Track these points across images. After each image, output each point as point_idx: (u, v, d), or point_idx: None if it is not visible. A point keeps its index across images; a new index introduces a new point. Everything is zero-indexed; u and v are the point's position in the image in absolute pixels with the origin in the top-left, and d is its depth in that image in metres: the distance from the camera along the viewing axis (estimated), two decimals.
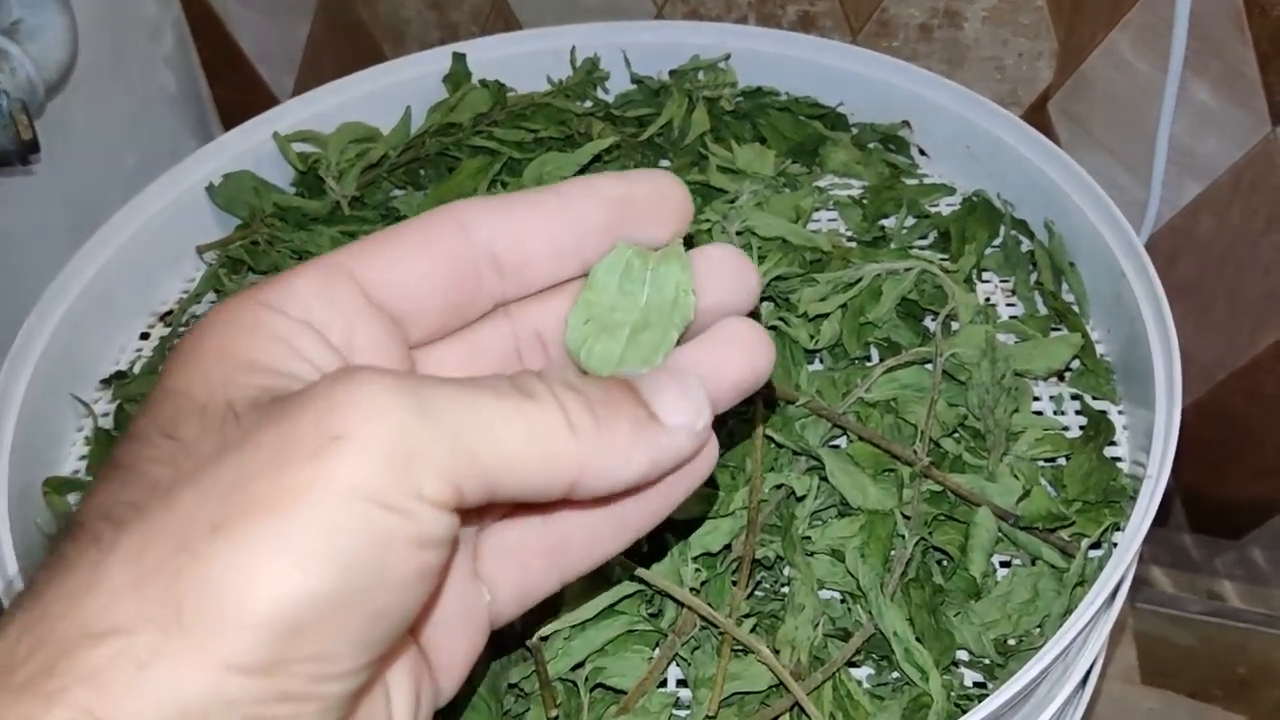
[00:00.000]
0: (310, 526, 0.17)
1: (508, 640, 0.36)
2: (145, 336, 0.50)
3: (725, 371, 0.23)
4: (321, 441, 0.17)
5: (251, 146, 0.53)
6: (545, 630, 0.35)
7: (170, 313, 0.50)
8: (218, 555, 0.17)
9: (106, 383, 0.47)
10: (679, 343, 0.23)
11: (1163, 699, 0.57)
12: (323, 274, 0.21)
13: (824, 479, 0.38)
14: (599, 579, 0.36)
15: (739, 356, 0.23)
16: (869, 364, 0.43)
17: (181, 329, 0.49)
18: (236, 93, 0.75)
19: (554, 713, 0.34)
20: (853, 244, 0.48)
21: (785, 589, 0.37)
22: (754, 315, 0.25)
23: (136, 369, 0.47)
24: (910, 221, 0.49)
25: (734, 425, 0.40)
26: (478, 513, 0.23)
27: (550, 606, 0.36)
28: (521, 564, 0.23)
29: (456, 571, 0.22)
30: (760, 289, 0.24)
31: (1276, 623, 0.61)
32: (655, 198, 0.23)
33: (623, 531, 0.23)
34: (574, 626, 0.35)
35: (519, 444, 0.19)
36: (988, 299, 0.46)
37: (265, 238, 0.49)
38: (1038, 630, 0.36)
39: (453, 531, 0.18)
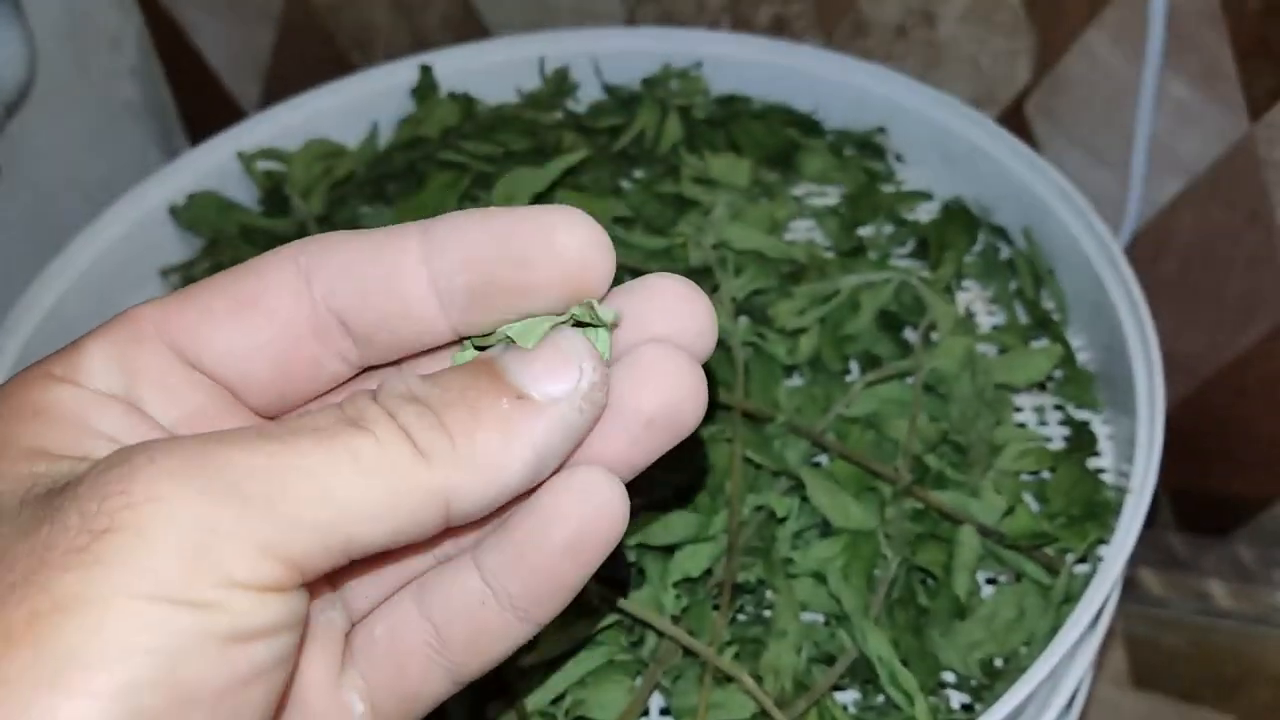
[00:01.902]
0: (85, 647, 0.14)
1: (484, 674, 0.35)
2: None
3: (634, 403, 0.19)
4: (88, 541, 0.14)
5: (216, 164, 0.52)
6: (522, 664, 0.34)
7: None
8: None
9: None
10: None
11: (1153, 702, 0.57)
12: (123, 335, 0.18)
13: (805, 499, 0.38)
14: (577, 609, 0.35)
15: (652, 389, 0.19)
16: (848, 378, 0.42)
17: None
18: (201, 103, 0.74)
19: None
20: (830, 253, 0.47)
21: (768, 612, 0.37)
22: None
23: None
24: (888, 230, 0.49)
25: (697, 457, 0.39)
26: (351, 570, 0.19)
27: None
28: (397, 669, 0.19)
29: (316, 678, 0.19)
30: (714, 326, 0.19)
31: (1266, 622, 0.60)
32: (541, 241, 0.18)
33: (516, 623, 0.19)
34: (551, 660, 0.34)
35: (357, 491, 0.16)
36: (967, 308, 0.46)
37: (231, 260, 0.48)
38: (1024, 649, 0.35)
39: (290, 615, 0.16)
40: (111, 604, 0.14)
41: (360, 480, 0.16)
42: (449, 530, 0.18)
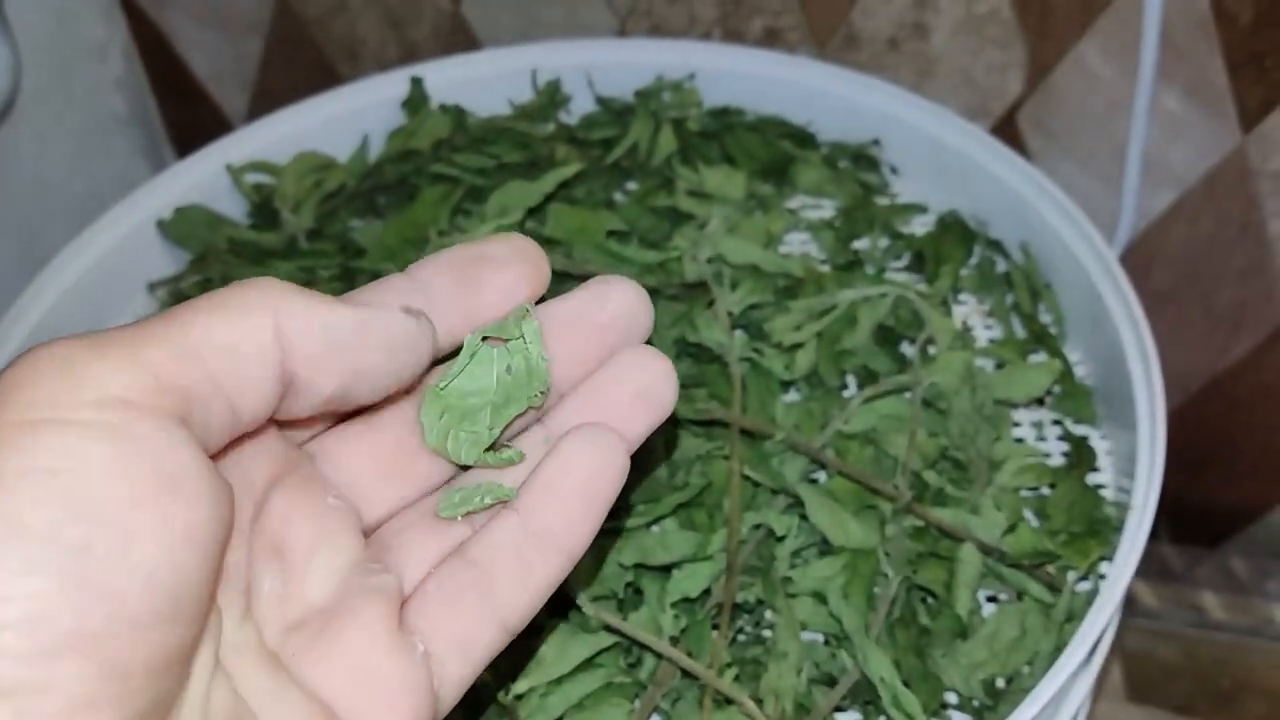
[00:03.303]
0: None
1: (482, 697, 0.34)
2: None
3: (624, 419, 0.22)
4: None
5: (204, 177, 0.52)
6: (520, 687, 0.33)
7: None
8: None
9: None
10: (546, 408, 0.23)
11: (1148, 715, 0.57)
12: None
13: (803, 517, 0.37)
14: (574, 631, 0.35)
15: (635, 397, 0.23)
16: (846, 393, 0.42)
17: None
18: (187, 115, 0.74)
19: None
20: (826, 267, 0.47)
21: (767, 632, 0.36)
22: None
23: None
24: (884, 243, 0.48)
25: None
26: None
27: (524, 663, 0.35)
28: (449, 609, 0.21)
29: (375, 636, 0.21)
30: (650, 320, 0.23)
31: (1259, 633, 0.60)
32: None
33: (551, 552, 0.22)
34: (550, 682, 0.34)
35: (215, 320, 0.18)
36: (965, 322, 0.46)
37: (219, 274, 0.48)
38: (1026, 669, 0.35)
39: (171, 429, 0.17)
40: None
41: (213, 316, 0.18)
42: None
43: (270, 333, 0.18)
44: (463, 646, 0.22)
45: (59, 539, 0.15)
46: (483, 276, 0.22)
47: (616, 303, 0.23)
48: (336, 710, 0.20)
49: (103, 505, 0.16)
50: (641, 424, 0.22)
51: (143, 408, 0.17)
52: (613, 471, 0.22)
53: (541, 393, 0.23)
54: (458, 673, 0.22)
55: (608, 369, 0.23)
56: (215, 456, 0.19)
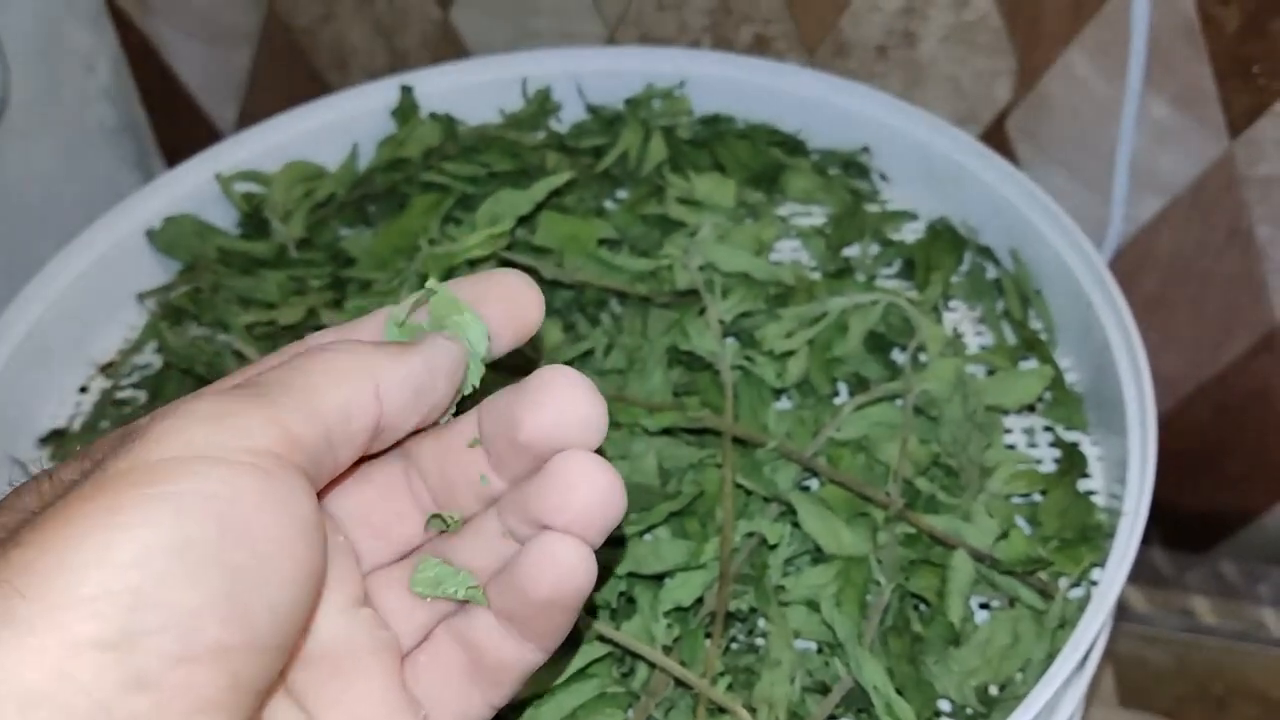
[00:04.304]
0: (136, 488, 0.17)
1: None
2: (84, 390, 0.47)
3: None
4: (137, 436, 0.18)
5: (193, 187, 0.51)
6: (515, 697, 0.33)
7: (111, 364, 0.48)
8: (46, 535, 0.17)
9: (45, 441, 0.45)
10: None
11: None
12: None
13: (796, 525, 0.37)
14: (568, 641, 0.35)
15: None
16: (837, 401, 0.42)
17: (123, 381, 0.47)
18: (177, 124, 0.73)
19: None
20: (816, 274, 0.47)
21: (760, 640, 0.36)
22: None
23: (76, 425, 0.45)
24: (874, 250, 0.49)
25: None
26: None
27: None
28: (443, 682, 0.23)
29: (388, 679, 0.22)
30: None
31: (1250, 638, 0.60)
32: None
33: (530, 647, 0.23)
34: (543, 692, 0.34)
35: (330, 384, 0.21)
36: (955, 329, 0.46)
37: (209, 284, 0.47)
38: (1019, 676, 0.35)
39: (303, 481, 0.19)
40: (153, 469, 0.18)
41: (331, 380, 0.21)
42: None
43: (372, 392, 0.21)
44: (463, 714, 0.23)
45: (221, 561, 0.17)
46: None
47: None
48: None
49: (256, 536, 0.18)
50: (599, 527, 0.22)
51: (283, 460, 0.19)
52: (581, 577, 0.22)
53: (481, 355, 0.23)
54: None
55: (551, 478, 0.22)
56: None
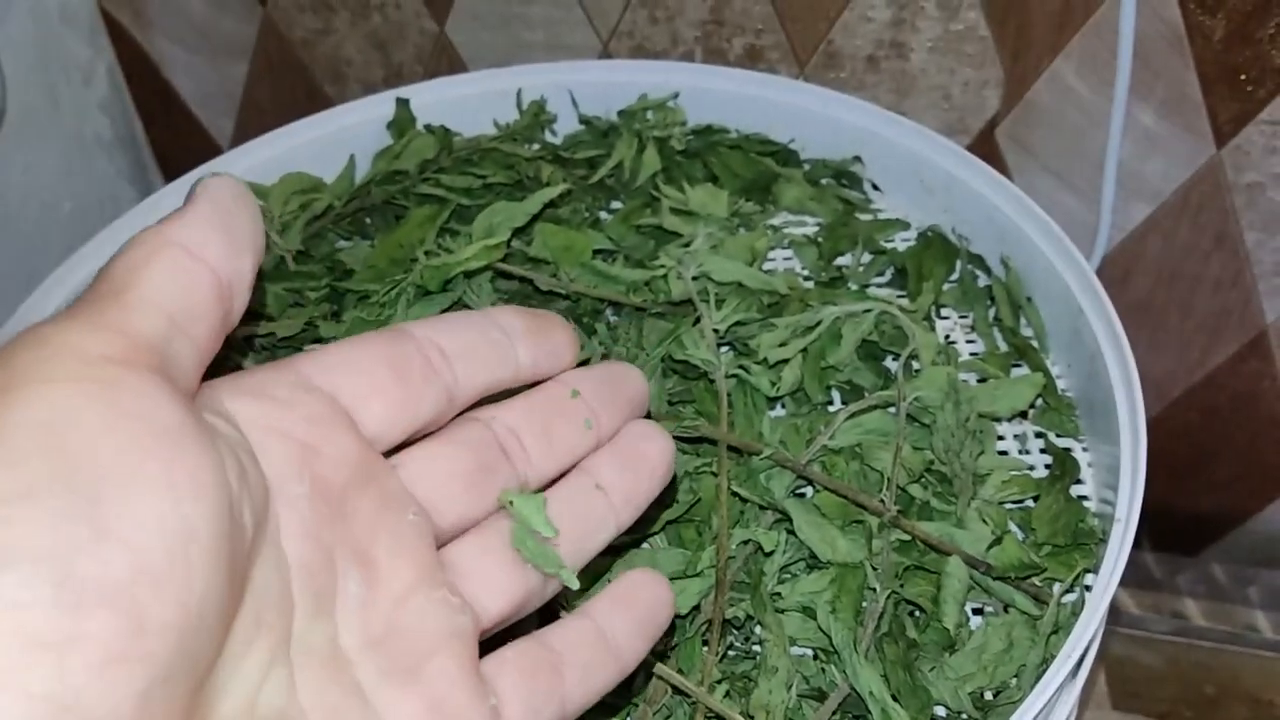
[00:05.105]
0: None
1: None
2: None
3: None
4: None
5: None
6: None
7: None
8: None
9: None
10: None
11: None
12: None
13: (791, 532, 0.38)
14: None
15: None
16: (831, 409, 0.42)
17: None
18: (174, 137, 0.74)
19: None
20: (809, 283, 0.48)
21: (757, 648, 0.37)
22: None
23: None
24: (866, 258, 0.49)
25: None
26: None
27: None
28: (525, 680, 0.23)
29: (461, 667, 0.22)
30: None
31: (1241, 640, 0.61)
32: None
33: (612, 662, 0.25)
34: None
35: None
36: (947, 336, 0.46)
37: None
38: (1014, 681, 0.35)
39: (155, 383, 0.18)
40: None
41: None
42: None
43: (187, 257, 0.19)
44: (530, 715, 0.23)
45: (78, 489, 0.16)
46: (543, 330, 0.26)
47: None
48: None
49: (110, 456, 0.16)
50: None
51: (124, 364, 0.17)
52: (666, 610, 0.26)
53: None
54: None
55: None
56: (285, 447, 0.20)
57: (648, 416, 0.28)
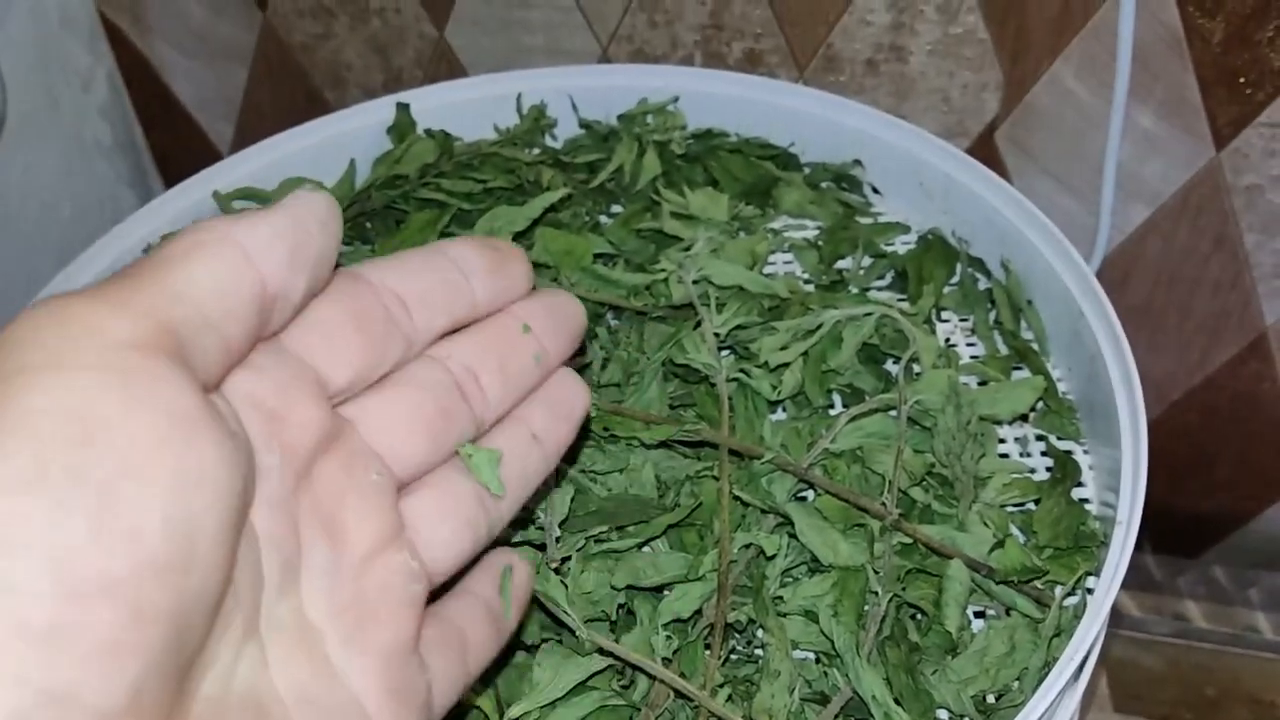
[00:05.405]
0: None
1: None
2: None
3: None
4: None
5: (191, 205, 0.52)
6: (515, 712, 0.34)
7: None
8: None
9: None
10: None
11: None
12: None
13: (793, 536, 0.38)
14: (568, 654, 0.35)
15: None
16: (832, 412, 0.42)
17: None
18: (174, 141, 0.74)
19: None
20: (810, 287, 0.48)
21: (759, 651, 0.37)
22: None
23: None
24: (867, 262, 0.49)
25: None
26: None
27: (518, 687, 0.35)
28: (441, 650, 0.24)
29: (410, 633, 0.22)
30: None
31: (1241, 641, 0.61)
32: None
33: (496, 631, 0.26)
34: (545, 705, 0.34)
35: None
36: (948, 339, 0.46)
37: None
38: (1016, 685, 0.35)
39: (175, 371, 0.17)
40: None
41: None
42: None
43: (241, 258, 0.19)
44: (443, 691, 0.24)
45: (87, 480, 0.15)
46: (502, 262, 0.25)
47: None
48: (368, 709, 0.21)
49: (123, 446, 0.16)
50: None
51: (145, 350, 0.17)
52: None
53: None
54: (441, 703, 0.23)
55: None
56: (256, 425, 0.20)
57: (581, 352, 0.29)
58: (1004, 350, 0.45)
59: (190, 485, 0.17)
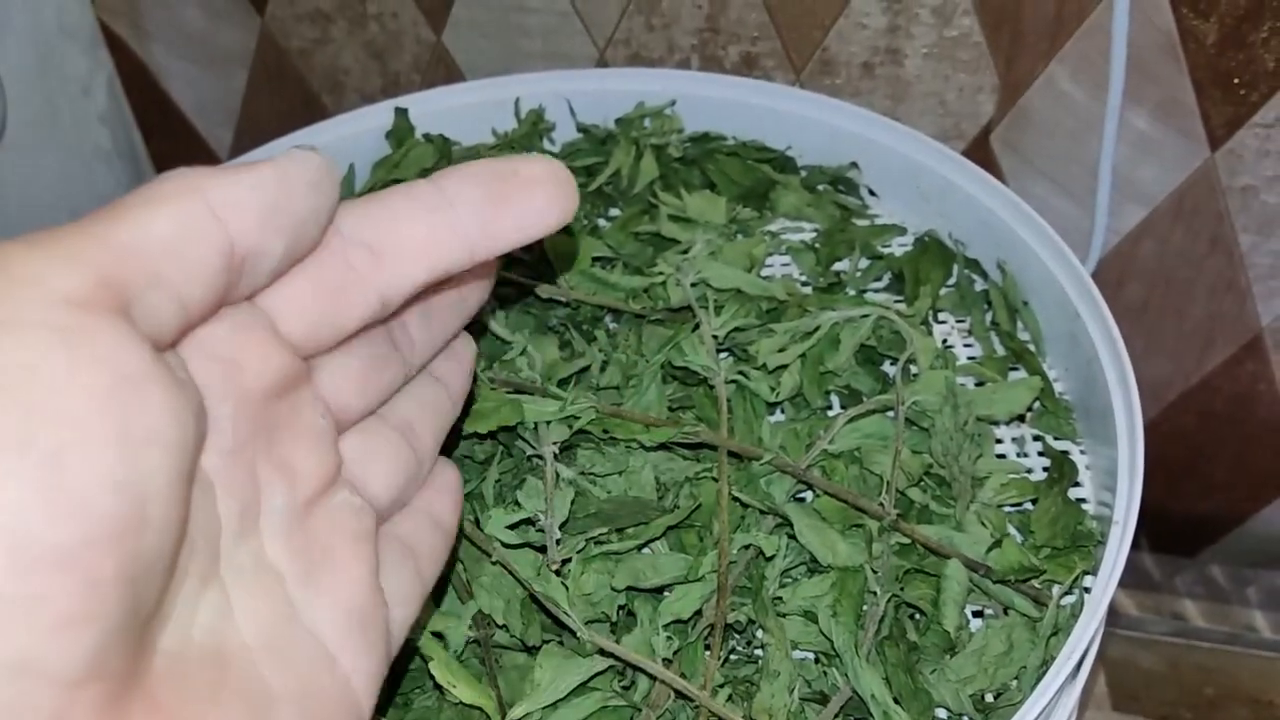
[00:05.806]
0: None
1: None
2: None
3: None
4: None
5: None
6: (516, 713, 0.34)
7: None
8: None
9: None
10: None
11: None
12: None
13: (791, 537, 0.38)
14: (568, 655, 0.35)
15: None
16: (830, 413, 0.43)
17: None
18: (173, 147, 0.74)
19: None
20: (807, 289, 0.48)
21: (759, 652, 0.37)
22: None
23: None
24: (864, 264, 0.49)
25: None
26: None
27: (519, 688, 0.35)
28: (393, 573, 0.24)
29: (368, 570, 0.22)
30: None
31: (1240, 641, 0.61)
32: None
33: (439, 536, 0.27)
34: (546, 706, 0.34)
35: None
36: (945, 340, 0.46)
37: None
38: (1014, 684, 0.35)
39: (121, 329, 0.16)
40: None
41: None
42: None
43: (205, 213, 0.18)
44: (403, 609, 0.24)
45: (32, 446, 0.15)
46: (512, 195, 0.22)
47: None
48: (329, 648, 0.21)
49: (67, 410, 0.15)
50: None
51: (89, 306, 0.16)
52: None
53: None
54: (400, 625, 0.24)
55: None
56: (217, 370, 0.19)
57: None
58: (1000, 351, 0.46)
59: (139, 447, 0.16)
